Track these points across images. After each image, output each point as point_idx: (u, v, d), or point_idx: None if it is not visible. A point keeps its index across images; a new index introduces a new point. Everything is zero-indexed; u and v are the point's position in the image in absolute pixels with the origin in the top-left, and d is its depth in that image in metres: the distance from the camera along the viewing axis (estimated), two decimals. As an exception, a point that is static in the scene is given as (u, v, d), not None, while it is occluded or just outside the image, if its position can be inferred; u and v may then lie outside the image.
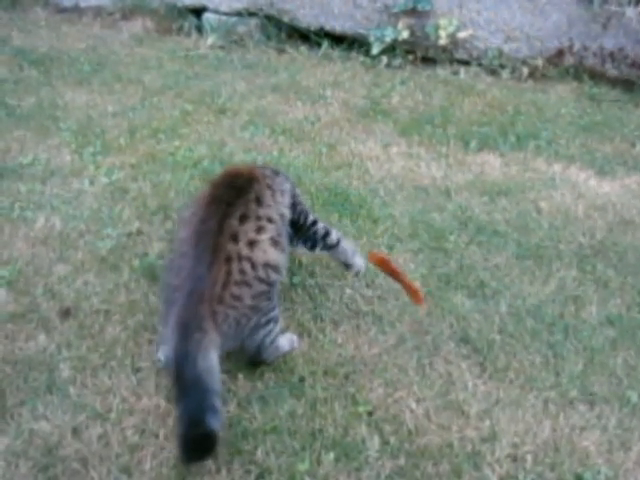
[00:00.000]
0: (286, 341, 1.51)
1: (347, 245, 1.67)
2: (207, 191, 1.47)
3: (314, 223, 1.62)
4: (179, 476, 1.24)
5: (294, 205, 1.58)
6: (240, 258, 1.34)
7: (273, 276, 1.40)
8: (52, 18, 4.00)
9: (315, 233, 1.61)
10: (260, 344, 1.42)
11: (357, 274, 1.69)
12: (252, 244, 1.37)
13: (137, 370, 1.46)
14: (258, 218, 1.40)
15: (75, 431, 1.31)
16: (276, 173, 1.61)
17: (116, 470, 1.24)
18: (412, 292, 1.52)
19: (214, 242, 1.33)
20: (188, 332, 1.26)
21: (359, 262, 1.67)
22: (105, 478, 1.23)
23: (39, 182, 2.19)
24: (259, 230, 1.39)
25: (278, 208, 1.49)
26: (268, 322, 1.42)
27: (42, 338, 1.53)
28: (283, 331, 1.51)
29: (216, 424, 1.21)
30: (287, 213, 1.53)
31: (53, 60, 3.28)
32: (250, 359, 1.47)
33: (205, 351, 1.26)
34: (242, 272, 1.34)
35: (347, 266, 1.68)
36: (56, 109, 2.74)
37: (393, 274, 1.54)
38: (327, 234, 1.63)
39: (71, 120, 2.64)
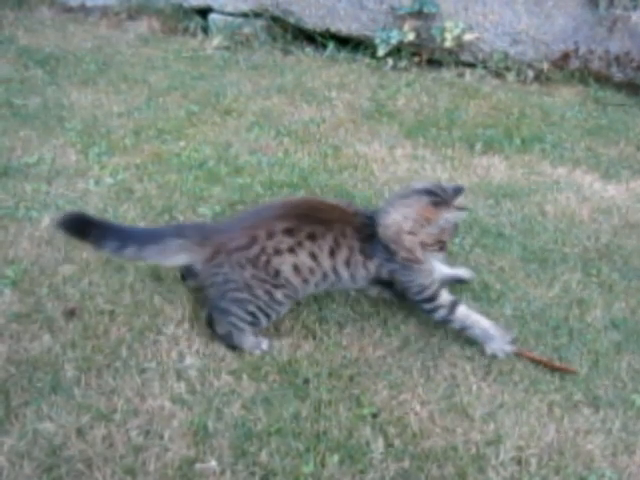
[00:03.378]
0: (250, 341, 1.52)
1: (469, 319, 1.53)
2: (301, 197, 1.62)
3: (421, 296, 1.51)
4: (183, 477, 1.24)
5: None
6: (263, 249, 1.45)
7: (281, 280, 1.47)
8: (58, 17, 4.02)
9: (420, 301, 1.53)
10: (211, 311, 1.53)
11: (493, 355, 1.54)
12: (278, 252, 1.45)
13: (142, 371, 1.46)
14: (300, 244, 1.45)
15: (79, 432, 1.31)
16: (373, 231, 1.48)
17: (120, 471, 1.24)
18: (560, 369, 1.51)
19: (255, 221, 1.49)
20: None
21: (492, 346, 1.53)
22: (109, 479, 1.23)
23: (44, 182, 2.19)
24: (291, 251, 1.45)
25: (332, 259, 1.47)
26: (239, 310, 1.48)
27: (47, 338, 1.53)
28: (257, 334, 1.54)
29: None
30: (343, 271, 1.49)
31: (59, 60, 3.29)
32: (207, 316, 1.56)
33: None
34: (256, 257, 1.45)
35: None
36: (61, 109, 2.74)
37: (535, 361, 1.53)
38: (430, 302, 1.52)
39: (76, 120, 2.65)
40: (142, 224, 1.98)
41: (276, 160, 2.41)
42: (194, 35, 3.78)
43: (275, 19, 3.67)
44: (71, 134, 2.53)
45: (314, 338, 1.57)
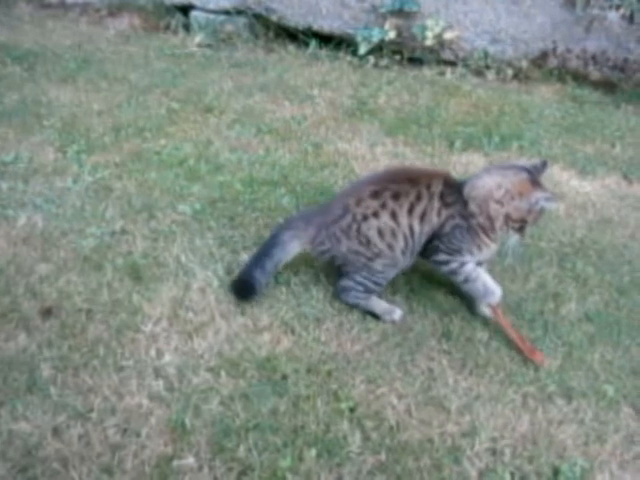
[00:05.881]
0: (381, 306, 1.62)
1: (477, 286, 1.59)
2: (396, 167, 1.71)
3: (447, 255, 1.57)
4: (161, 475, 1.24)
5: (442, 225, 1.54)
6: (353, 217, 1.54)
7: (374, 249, 1.55)
8: (37, 14, 3.96)
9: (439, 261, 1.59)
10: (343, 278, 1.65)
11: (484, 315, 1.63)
12: (365, 218, 1.54)
13: (119, 369, 1.45)
14: (384, 205, 1.51)
15: (55, 431, 1.30)
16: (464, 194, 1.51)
17: (97, 470, 1.23)
18: (526, 349, 1.53)
19: (350, 190, 1.60)
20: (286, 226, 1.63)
21: (488, 300, 1.60)
22: (86, 478, 1.22)
23: (21, 180, 2.16)
24: (375, 214, 1.52)
25: (409, 216, 1.53)
26: (350, 282, 1.60)
27: (23, 338, 1.51)
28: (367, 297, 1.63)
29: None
30: (416, 227, 1.54)
31: (37, 56, 3.24)
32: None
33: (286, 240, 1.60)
34: (348, 226, 1.56)
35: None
36: (40, 106, 2.71)
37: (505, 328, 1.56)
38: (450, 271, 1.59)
39: (55, 118, 2.61)
40: (121, 222, 1.96)
41: (257, 158, 2.40)
42: (176, 32, 3.75)
43: (257, 17, 3.66)
44: (49, 132, 2.50)
45: (293, 334, 1.58)
